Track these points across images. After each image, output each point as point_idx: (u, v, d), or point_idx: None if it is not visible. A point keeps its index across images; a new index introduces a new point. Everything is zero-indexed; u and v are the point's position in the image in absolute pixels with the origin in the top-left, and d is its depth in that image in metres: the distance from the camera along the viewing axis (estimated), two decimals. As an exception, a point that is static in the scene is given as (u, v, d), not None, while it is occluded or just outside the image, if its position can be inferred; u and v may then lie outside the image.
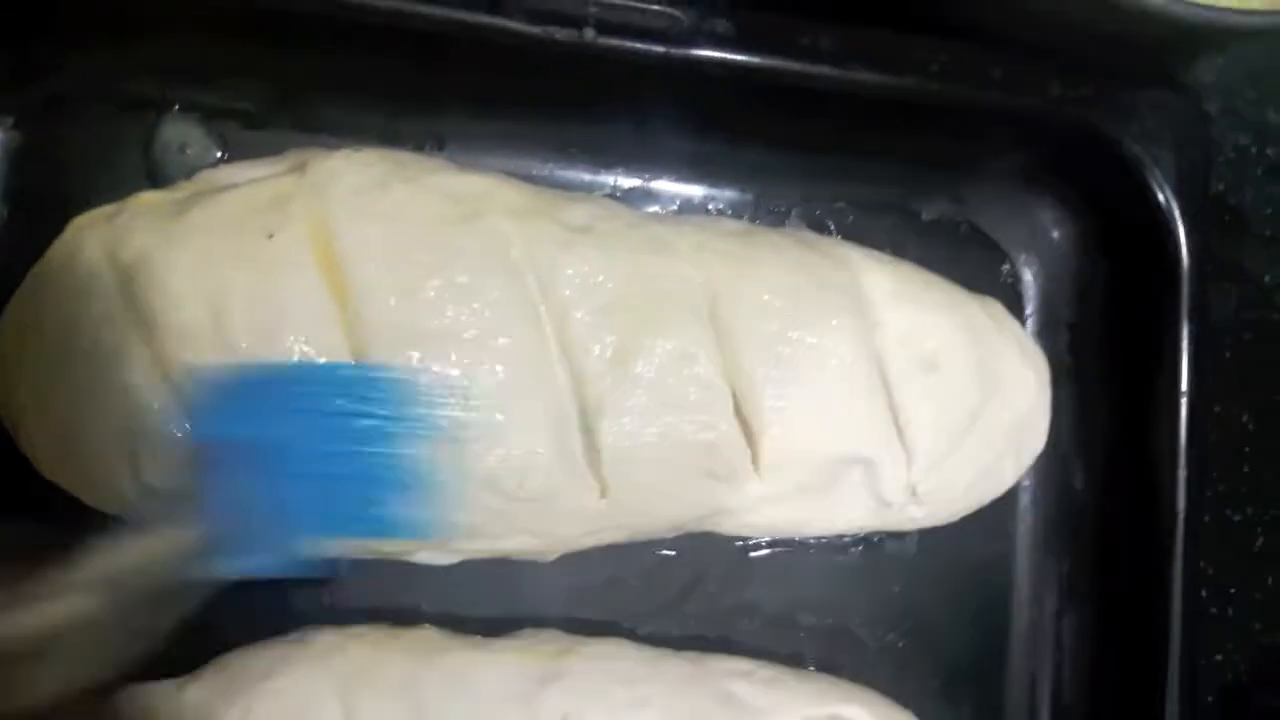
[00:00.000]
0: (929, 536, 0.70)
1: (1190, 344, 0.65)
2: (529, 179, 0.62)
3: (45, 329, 0.55)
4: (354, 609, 0.64)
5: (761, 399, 0.59)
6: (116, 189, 0.59)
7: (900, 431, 0.61)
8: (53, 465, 0.56)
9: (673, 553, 0.68)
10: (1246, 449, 0.76)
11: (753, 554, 0.69)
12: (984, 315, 0.64)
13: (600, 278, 0.58)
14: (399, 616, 0.64)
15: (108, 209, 0.58)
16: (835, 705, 0.63)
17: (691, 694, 0.61)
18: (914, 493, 0.63)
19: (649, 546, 0.68)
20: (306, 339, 0.54)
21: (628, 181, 0.68)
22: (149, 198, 0.58)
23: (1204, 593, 0.73)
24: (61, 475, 0.57)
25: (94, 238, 0.56)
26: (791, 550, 0.70)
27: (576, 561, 0.66)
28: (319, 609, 0.63)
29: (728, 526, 0.64)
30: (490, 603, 0.66)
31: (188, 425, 0.53)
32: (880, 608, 0.70)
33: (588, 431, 0.58)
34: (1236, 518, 0.76)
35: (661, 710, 0.59)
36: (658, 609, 0.68)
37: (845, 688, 0.66)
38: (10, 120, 0.61)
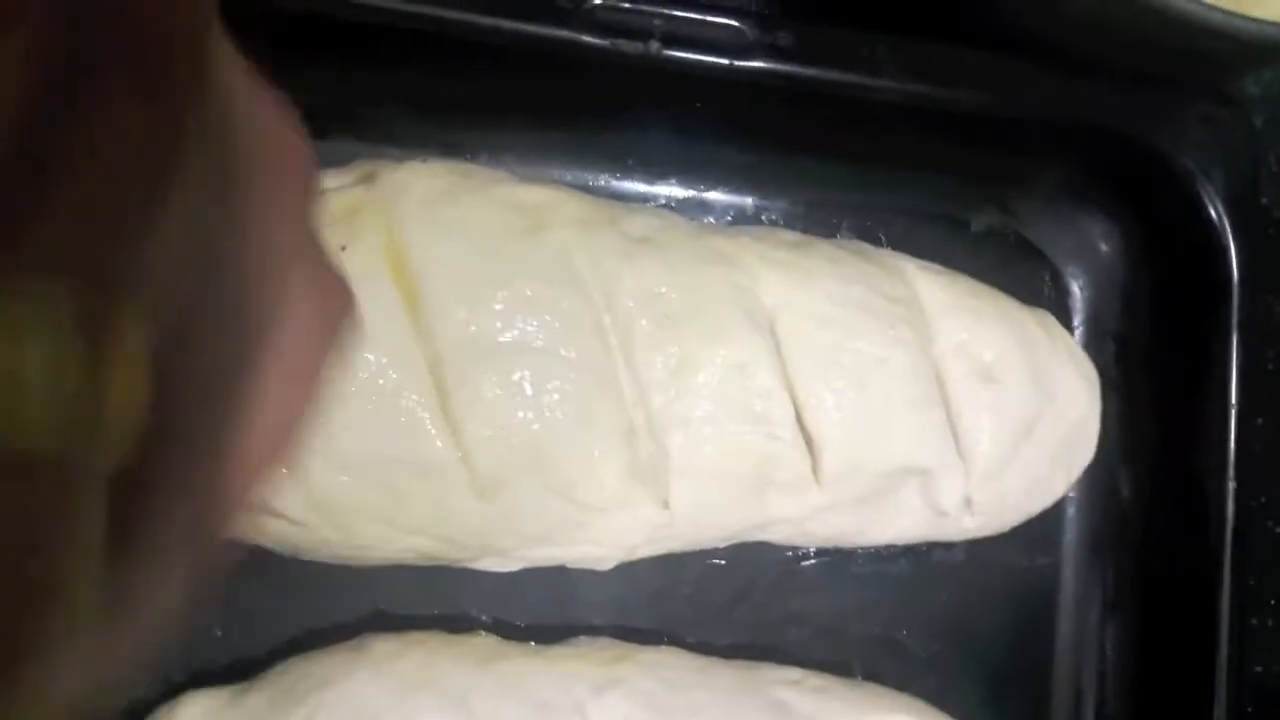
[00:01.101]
0: (976, 546, 0.71)
1: (1240, 356, 0.66)
2: (585, 190, 0.63)
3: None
4: (409, 615, 0.64)
5: (822, 409, 0.60)
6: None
7: (958, 442, 0.62)
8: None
9: (722, 562, 0.69)
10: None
11: (802, 563, 0.70)
12: (1037, 327, 0.65)
13: (662, 288, 0.58)
14: (453, 623, 0.64)
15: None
16: (883, 714, 0.64)
17: (742, 702, 0.61)
18: (969, 503, 0.64)
19: (699, 555, 0.68)
20: (385, 351, 0.54)
21: (682, 192, 0.69)
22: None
23: (1246, 604, 0.73)
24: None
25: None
26: (839, 560, 0.70)
27: (628, 570, 0.67)
28: (375, 615, 0.64)
29: (783, 535, 0.64)
30: (543, 611, 0.66)
31: None
32: (927, 617, 0.71)
33: (654, 441, 0.58)
34: (1279, 529, 0.76)
35: (714, 718, 0.60)
36: (707, 617, 0.68)
37: (893, 696, 0.66)
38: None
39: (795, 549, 0.69)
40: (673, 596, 0.68)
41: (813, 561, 0.70)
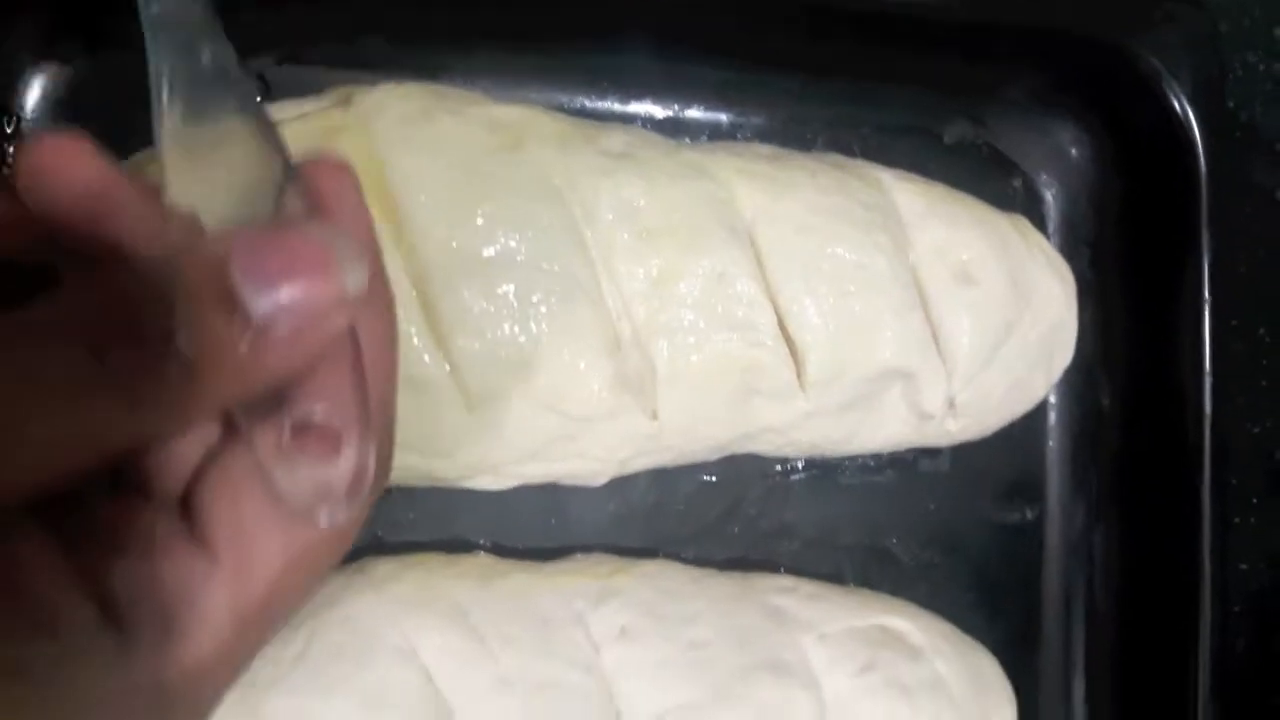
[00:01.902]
0: (961, 455, 0.72)
1: (1211, 256, 0.67)
2: (561, 111, 0.63)
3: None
4: (407, 540, 0.65)
5: (804, 316, 0.60)
6: (158, 134, 0.60)
7: (939, 344, 0.63)
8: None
9: (713, 478, 0.70)
10: (1264, 362, 0.78)
11: (791, 477, 0.71)
12: (1012, 230, 0.66)
13: (641, 202, 0.59)
14: (450, 548, 0.65)
15: (153, 151, 0.59)
16: (878, 617, 0.65)
17: (739, 609, 0.63)
18: (952, 405, 0.65)
19: (690, 472, 0.69)
20: (361, 267, 0.55)
21: (658, 112, 0.70)
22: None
23: (1228, 504, 0.74)
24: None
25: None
26: (828, 472, 0.71)
27: (620, 489, 0.68)
28: (373, 542, 0.64)
29: (771, 445, 0.65)
30: (539, 533, 0.67)
31: None
32: (916, 526, 0.72)
33: (640, 352, 0.59)
34: (1255, 430, 0.78)
35: (711, 624, 0.61)
36: (700, 532, 0.69)
37: (886, 600, 0.68)
38: (51, 69, 0.62)
39: (784, 462, 0.70)
40: (665, 514, 0.69)
41: (801, 475, 0.71)
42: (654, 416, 0.60)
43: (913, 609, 0.67)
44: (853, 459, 0.71)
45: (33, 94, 0.62)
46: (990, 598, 0.72)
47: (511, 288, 0.56)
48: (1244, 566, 0.77)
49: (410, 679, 0.56)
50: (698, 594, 0.63)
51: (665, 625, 0.60)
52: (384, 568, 0.61)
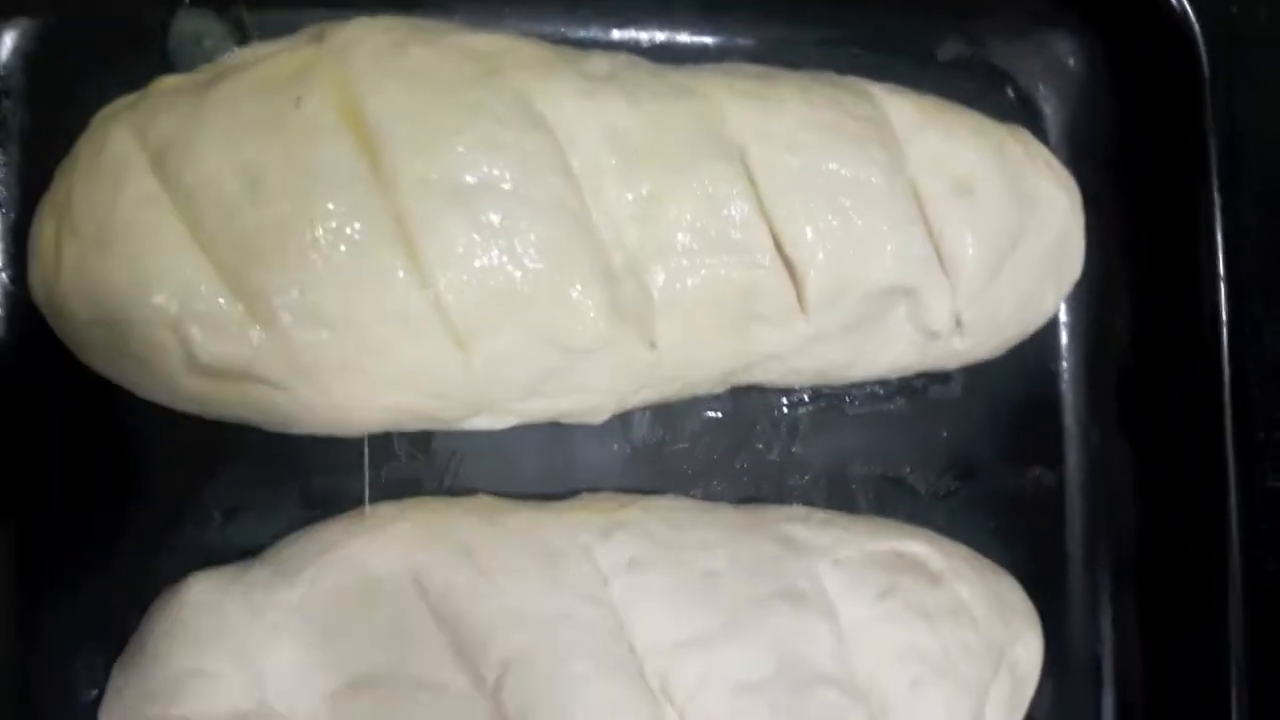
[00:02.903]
0: (972, 379, 0.70)
1: (1218, 156, 0.65)
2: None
3: (79, 221, 0.55)
4: (407, 489, 0.64)
5: (801, 234, 0.59)
6: (135, 86, 0.59)
7: (941, 258, 0.61)
8: (98, 352, 0.56)
9: (718, 414, 0.68)
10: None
11: (799, 410, 0.69)
12: (1011, 140, 0.64)
13: (626, 123, 0.57)
14: (452, 493, 0.64)
15: (129, 98, 0.58)
16: (895, 542, 0.63)
17: (751, 538, 0.61)
18: (959, 323, 0.63)
19: (696, 409, 0.68)
20: (343, 200, 0.54)
21: (642, 37, 0.68)
22: (171, 81, 0.57)
23: (1250, 419, 0.72)
24: (108, 362, 0.57)
25: (121, 125, 0.56)
26: (835, 403, 0.69)
27: (624, 428, 0.67)
28: (374, 491, 0.63)
29: (774, 374, 0.64)
30: (543, 478, 0.66)
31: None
32: (929, 453, 0.70)
33: (635, 280, 0.58)
34: (1275, 341, 0.75)
35: (722, 553, 0.60)
36: (708, 470, 0.68)
37: (904, 527, 0.66)
38: (22, 23, 0.61)
39: (790, 395, 0.69)
40: (671, 453, 0.68)
41: (809, 407, 0.69)
42: (652, 345, 0.59)
43: (930, 534, 0.66)
44: (860, 388, 0.69)
45: (4, 49, 0.61)
46: (1011, 525, 0.71)
47: (497, 218, 0.55)
48: (1272, 484, 0.75)
49: (416, 618, 0.55)
50: (707, 525, 0.61)
51: (675, 555, 0.59)
52: (384, 511, 0.60)
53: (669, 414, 0.68)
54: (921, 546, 0.63)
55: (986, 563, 0.65)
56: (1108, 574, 0.71)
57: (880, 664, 0.58)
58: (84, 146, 0.56)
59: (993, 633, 0.61)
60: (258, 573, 0.57)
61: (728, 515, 0.63)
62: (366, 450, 0.61)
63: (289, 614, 0.54)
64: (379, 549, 0.57)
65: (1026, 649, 0.63)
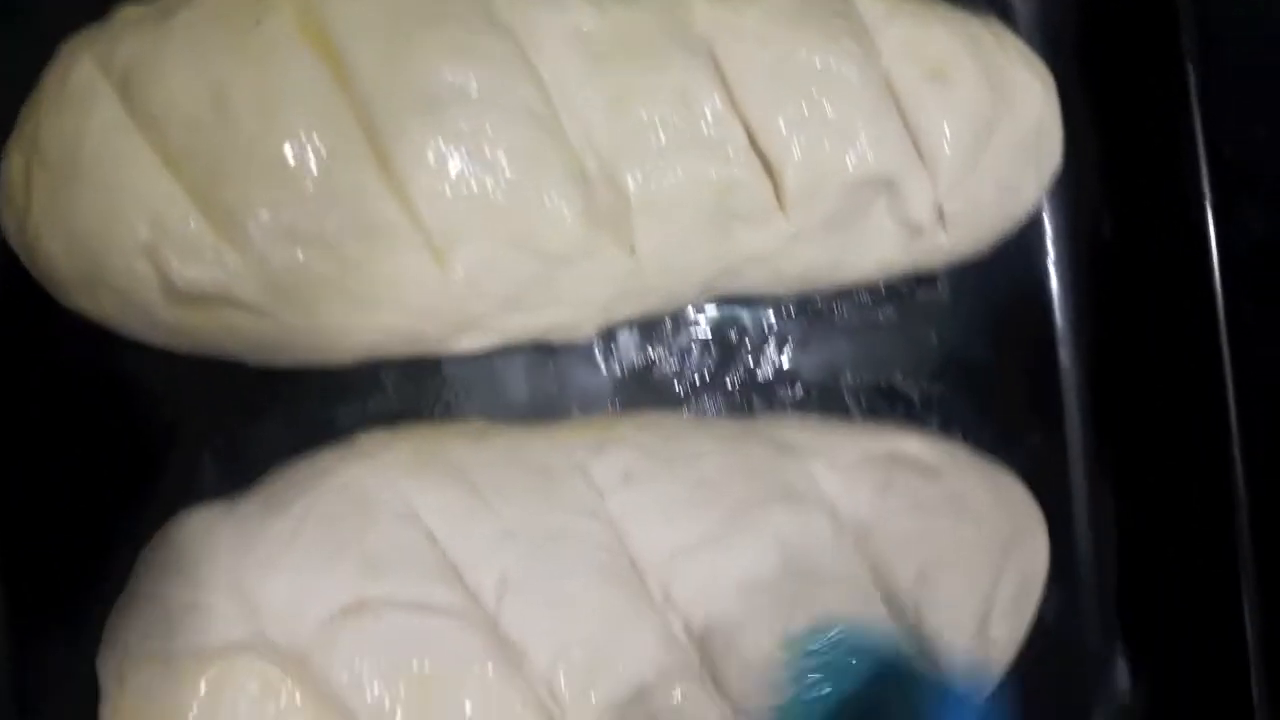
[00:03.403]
0: (960, 281, 0.70)
1: (1195, 46, 0.65)
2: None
3: (49, 152, 0.54)
4: (398, 421, 0.63)
5: (775, 129, 0.58)
6: (98, 17, 0.58)
7: (919, 149, 0.61)
8: (75, 288, 0.56)
9: (706, 330, 0.68)
10: (1263, 161, 0.75)
11: (787, 323, 0.68)
12: (983, 28, 0.63)
13: (592, 26, 0.57)
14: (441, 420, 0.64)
15: (92, 29, 0.57)
16: (891, 442, 0.63)
17: (745, 445, 0.61)
18: (941, 215, 0.63)
19: (682, 326, 0.67)
20: (310, 116, 0.53)
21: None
22: (132, 11, 0.57)
23: (1249, 307, 0.71)
24: (85, 297, 0.56)
25: (85, 54, 0.55)
26: (823, 313, 0.69)
27: (611, 348, 0.66)
28: (362, 420, 0.63)
29: (759, 281, 0.63)
30: (533, 402, 0.65)
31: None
32: (921, 358, 0.69)
33: (610, 185, 0.57)
34: (1260, 227, 0.74)
35: (717, 461, 0.59)
36: (697, 389, 0.67)
37: (900, 429, 0.65)
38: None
39: (777, 306, 0.68)
40: (661, 375, 0.67)
41: (797, 320, 0.69)
42: (632, 251, 0.59)
43: (926, 434, 0.65)
44: (847, 296, 0.69)
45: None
46: (1009, 428, 0.70)
47: (467, 126, 0.55)
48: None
49: (411, 541, 0.55)
50: (701, 435, 0.61)
51: (669, 466, 0.58)
52: (375, 438, 0.59)
53: (656, 334, 0.67)
54: (918, 445, 0.62)
55: (985, 461, 0.65)
56: (1113, 475, 0.70)
57: (884, 558, 0.57)
58: (49, 79, 0.56)
59: (996, 527, 0.61)
60: (248, 505, 0.57)
61: (721, 426, 0.62)
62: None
63: (282, 544, 0.54)
64: (371, 474, 0.56)
65: (1032, 547, 0.62)
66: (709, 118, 0.58)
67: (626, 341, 0.67)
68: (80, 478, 0.60)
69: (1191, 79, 0.65)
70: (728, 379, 0.68)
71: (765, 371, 0.68)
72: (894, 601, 0.57)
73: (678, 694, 0.53)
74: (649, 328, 0.67)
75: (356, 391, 0.63)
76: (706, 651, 0.54)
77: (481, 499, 0.56)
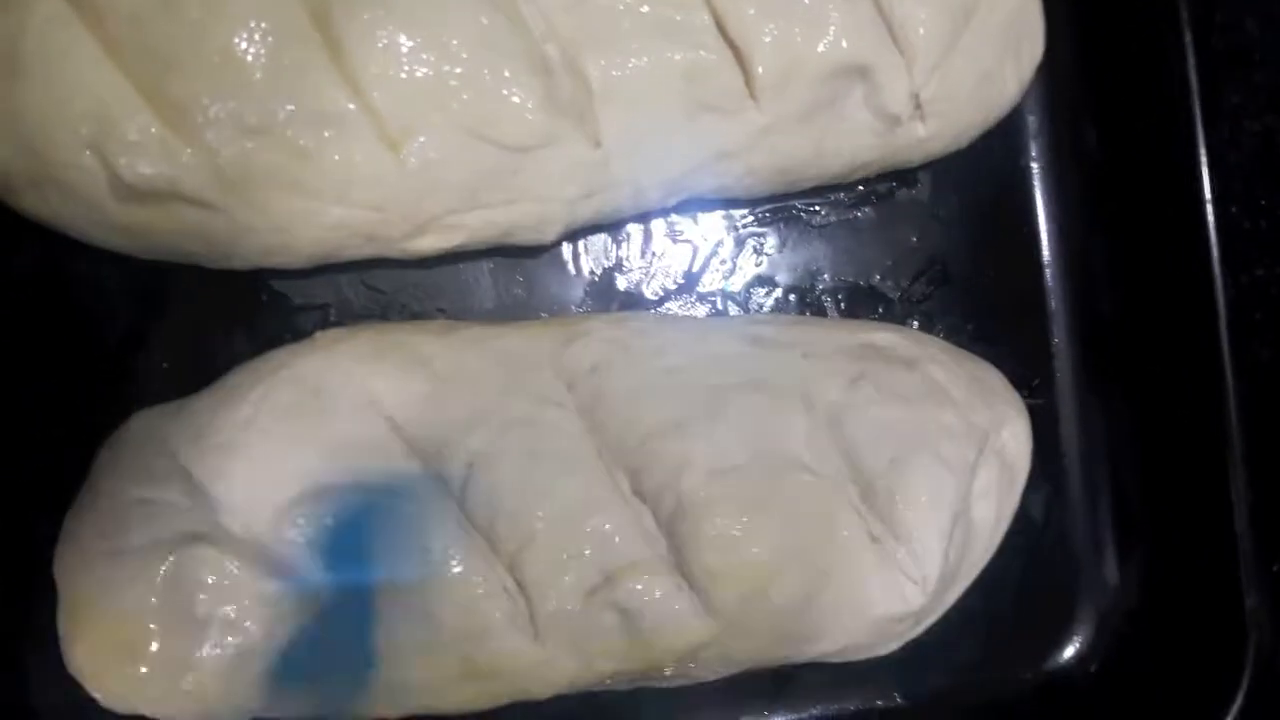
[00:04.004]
0: (940, 179, 0.68)
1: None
2: None
3: (-12, 49, 0.53)
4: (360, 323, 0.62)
5: (744, 13, 0.56)
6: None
7: (894, 33, 0.59)
8: (22, 188, 0.54)
9: (679, 232, 0.66)
10: (1256, 57, 0.73)
11: (760, 227, 0.67)
12: (958, -91, 0.61)
13: (547, -91, 0.55)
14: (409, 325, 0.62)
15: (32, -78, 0.55)
16: (865, 334, 0.61)
17: (716, 340, 0.59)
18: (918, 105, 0.61)
19: (653, 229, 0.66)
20: (256, 4, 0.52)
21: None
22: (72, -99, 0.55)
23: (1234, 208, 0.69)
24: (34, 197, 0.54)
25: (23, -53, 0.53)
26: (800, 213, 0.67)
27: (580, 251, 0.65)
28: (325, 326, 0.61)
29: (731, 178, 0.61)
30: (500, 307, 0.64)
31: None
32: (900, 259, 0.68)
33: (573, 74, 0.55)
34: (1255, 127, 0.73)
35: (686, 351, 0.58)
36: (670, 292, 0.66)
37: (875, 323, 0.64)
38: None
39: (753, 207, 0.66)
40: (630, 274, 0.66)
41: (772, 220, 0.67)
42: (597, 144, 0.57)
43: (902, 328, 0.64)
44: (825, 197, 0.67)
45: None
46: (988, 325, 0.69)
47: (419, 9, 0.53)
48: (1259, 272, 0.72)
49: (372, 429, 0.54)
50: (671, 330, 0.59)
51: (638, 358, 0.57)
52: (332, 334, 0.58)
53: (627, 238, 0.66)
54: (893, 337, 0.61)
55: (963, 352, 0.63)
56: (1095, 371, 0.69)
57: (857, 445, 0.56)
58: (-11, -25, 0.54)
59: (974, 414, 0.59)
60: (202, 401, 0.56)
61: (692, 323, 0.61)
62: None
63: (237, 431, 0.52)
64: (330, 365, 0.55)
65: (1013, 432, 0.61)
66: (674, 3, 0.56)
67: (596, 245, 0.65)
68: (37, 383, 0.59)
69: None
70: (701, 284, 0.66)
71: (741, 276, 0.67)
72: (866, 487, 0.55)
73: (645, 583, 0.52)
74: (619, 232, 0.65)
75: (319, 298, 0.62)
76: (674, 538, 0.53)
77: (444, 387, 0.55)
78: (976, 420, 0.58)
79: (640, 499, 0.54)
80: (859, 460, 0.55)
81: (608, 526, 0.52)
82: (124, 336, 0.60)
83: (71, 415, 0.59)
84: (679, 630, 0.53)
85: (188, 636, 0.50)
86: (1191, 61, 0.64)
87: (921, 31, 0.59)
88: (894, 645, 0.61)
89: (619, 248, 0.65)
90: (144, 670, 0.50)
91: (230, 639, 0.49)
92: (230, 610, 0.49)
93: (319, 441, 0.52)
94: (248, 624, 0.49)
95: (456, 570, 0.51)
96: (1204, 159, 0.64)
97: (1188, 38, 0.64)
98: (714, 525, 0.52)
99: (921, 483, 0.55)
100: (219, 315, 0.61)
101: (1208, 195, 0.64)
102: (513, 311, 0.64)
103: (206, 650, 0.49)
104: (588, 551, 0.52)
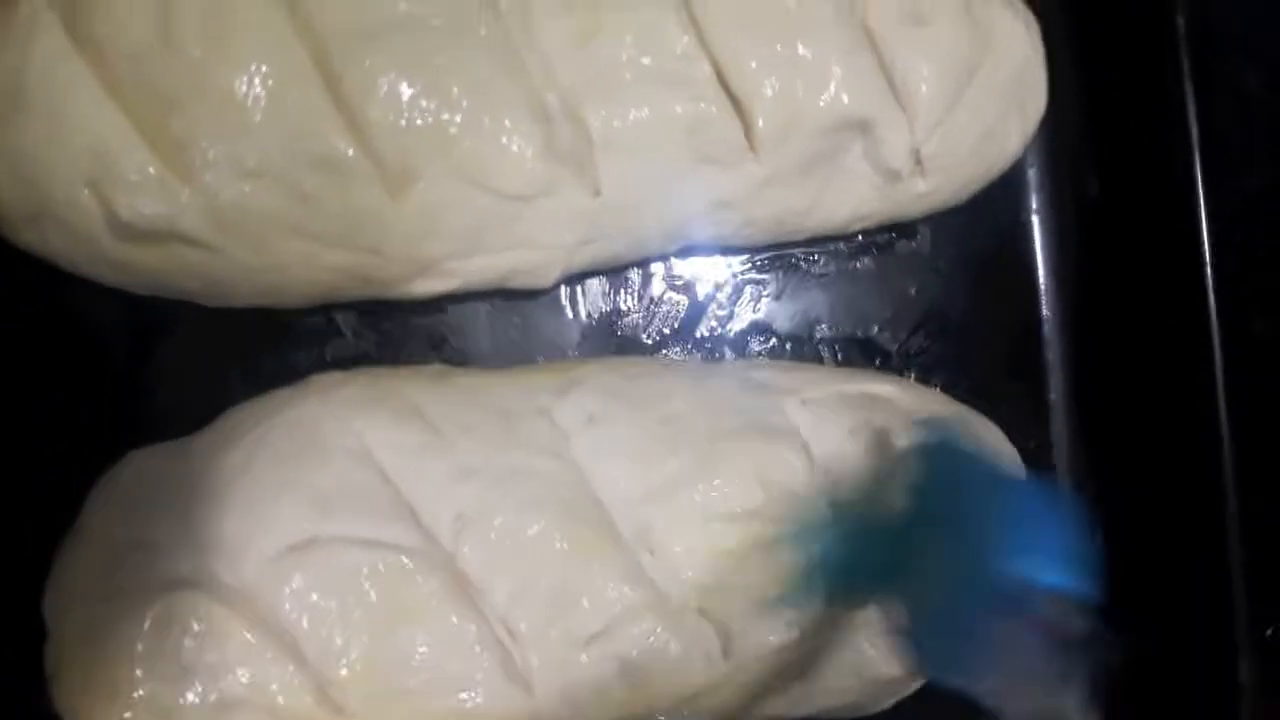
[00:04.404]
0: (941, 231, 0.68)
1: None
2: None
3: (-9, 85, 0.53)
4: (355, 364, 0.61)
5: (745, 66, 0.57)
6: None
7: (895, 89, 0.59)
8: (21, 223, 0.54)
9: (677, 278, 0.66)
10: (1258, 111, 0.72)
11: (758, 274, 0.67)
12: (964, -33, 0.61)
13: (555, -42, 0.55)
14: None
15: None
16: (863, 384, 0.61)
17: (714, 385, 0.59)
18: (918, 160, 0.61)
19: (653, 276, 0.66)
20: (260, 44, 0.52)
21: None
22: (76, -61, 0.55)
23: (1233, 265, 0.69)
24: (32, 233, 0.54)
25: (28, -16, 0.53)
26: (798, 262, 0.67)
27: (577, 295, 0.65)
28: (320, 367, 0.61)
29: (730, 227, 0.61)
30: (496, 350, 0.64)
31: None
32: (899, 310, 0.68)
33: (573, 122, 0.55)
34: (1255, 184, 0.72)
35: (684, 398, 0.57)
36: (667, 336, 0.66)
37: (874, 373, 0.64)
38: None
39: (751, 255, 0.66)
40: (628, 323, 0.65)
41: (771, 268, 0.67)
42: (596, 192, 0.57)
43: (900, 379, 0.64)
44: (824, 246, 0.67)
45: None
46: (989, 380, 0.68)
47: (421, 56, 0.53)
48: (1259, 328, 0.71)
49: (364, 478, 0.53)
50: (667, 376, 0.59)
51: (634, 406, 0.57)
52: (328, 378, 0.57)
53: (625, 282, 0.65)
54: (890, 388, 0.61)
55: (962, 406, 0.63)
56: (1092, 427, 0.69)
57: (856, 496, 0.55)
58: (-8, 6, 0.54)
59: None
60: (198, 443, 0.55)
61: (689, 368, 0.61)
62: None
63: (231, 478, 0.52)
64: (323, 411, 0.55)
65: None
66: (676, 53, 0.56)
67: (594, 290, 0.65)
68: (31, 419, 0.59)
69: (1181, 28, 0.63)
70: (698, 330, 0.66)
71: (738, 323, 0.67)
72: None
73: (643, 630, 0.51)
74: (617, 277, 0.65)
75: (315, 338, 0.62)
76: (677, 586, 0.52)
77: (438, 436, 0.54)
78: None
79: (643, 547, 0.54)
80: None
81: (605, 576, 0.52)
82: (120, 373, 0.60)
83: (66, 452, 0.58)
84: (678, 677, 0.53)
85: (173, 682, 0.49)
86: (1193, 117, 0.63)
87: (924, 88, 0.59)
88: (885, 704, 0.61)
89: (617, 292, 0.65)
90: (128, 715, 0.49)
91: (215, 687, 0.49)
92: (215, 658, 0.48)
93: (311, 490, 0.52)
94: (232, 674, 0.48)
95: (447, 620, 0.50)
96: (1204, 215, 0.63)
97: (1189, 92, 0.63)
98: (715, 573, 0.52)
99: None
100: (216, 353, 0.61)
101: (1207, 253, 0.63)
102: (510, 353, 0.64)
103: (190, 698, 0.49)
104: (584, 602, 0.51)
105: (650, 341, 0.66)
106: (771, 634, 0.54)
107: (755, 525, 0.54)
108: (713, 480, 0.54)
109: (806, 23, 0.57)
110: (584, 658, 0.52)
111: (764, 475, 0.55)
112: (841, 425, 0.57)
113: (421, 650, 0.50)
